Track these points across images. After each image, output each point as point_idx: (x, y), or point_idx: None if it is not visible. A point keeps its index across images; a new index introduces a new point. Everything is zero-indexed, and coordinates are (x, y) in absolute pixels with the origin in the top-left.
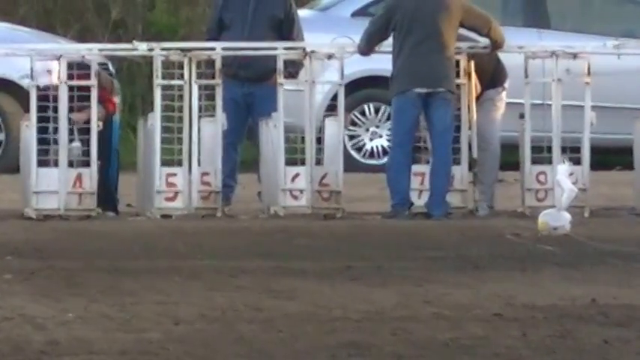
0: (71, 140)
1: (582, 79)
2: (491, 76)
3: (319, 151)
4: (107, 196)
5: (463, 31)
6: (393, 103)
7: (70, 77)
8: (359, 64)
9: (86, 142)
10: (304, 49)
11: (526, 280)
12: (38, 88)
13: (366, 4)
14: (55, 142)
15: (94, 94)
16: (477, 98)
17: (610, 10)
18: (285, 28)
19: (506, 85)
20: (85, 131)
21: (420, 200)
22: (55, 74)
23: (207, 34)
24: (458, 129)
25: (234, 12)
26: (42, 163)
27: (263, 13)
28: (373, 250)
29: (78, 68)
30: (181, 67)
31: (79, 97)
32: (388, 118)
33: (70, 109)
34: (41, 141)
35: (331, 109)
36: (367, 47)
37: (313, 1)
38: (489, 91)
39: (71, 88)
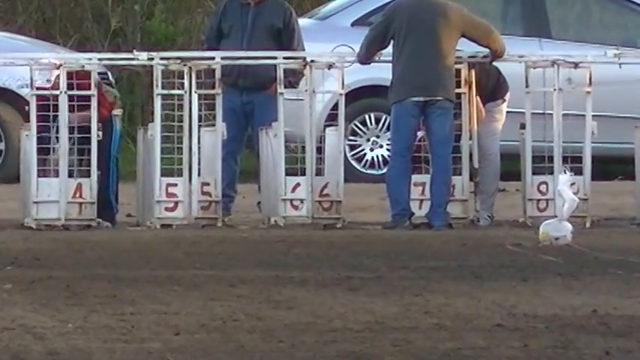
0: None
1: (583, 89)
2: (492, 90)
3: (320, 160)
4: (105, 206)
5: None
6: (392, 112)
7: (70, 87)
8: (359, 74)
9: (86, 152)
10: (304, 58)
11: (527, 290)
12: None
13: (366, 13)
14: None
15: (94, 104)
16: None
17: (610, 19)
18: (285, 38)
19: (506, 97)
20: (84, 139)
21: (420, 210)
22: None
23: (205, 43)
24: (458, 139)
25: (234, 21)
26: (42, 173)
27: (262, 22)
28: (373, 260)
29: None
30: (181, 76)
31: (79, 100)
32: (389, 128)
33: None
34: (41, 150)
35: (332, 118)
36: (366, 56)
37: (313, 10)
38: (488, 104)
39: (71, 90)
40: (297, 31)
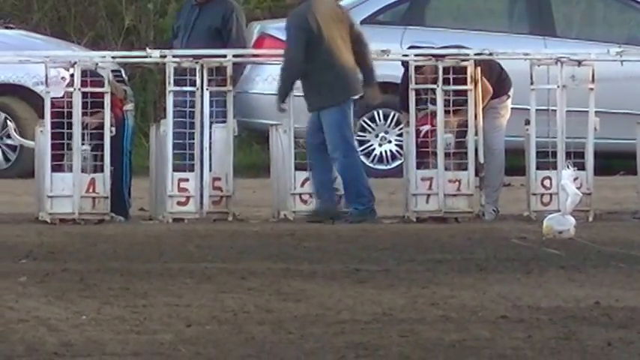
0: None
1: (586, 86)
2: (495, 86)
3: None
4: (118, 201)
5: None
6: (338, 113)
7: (84, 84)
8: None
9: (100, 147)
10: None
11: (531, 282)
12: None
13: (374, 12)
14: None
15: (107, 101)
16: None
17: (614, 17)
18: (225, 34)
19: (510, 93)
20: (98, 136)
21: (428, 205)
22: (67, 82)
23: (170, 44)
24: (464, 134)
25: (182, 21)
26: (56, 168)
27: (203, 21)
28: (381, 253)
29: (90, 76)
30: (193, 73)
31: (92, 104)
32: (397, 124)
33: (83, 114)
34: (55, 146)
35: None
36: (301, 61)
37: None
38: (493, 101)
39: (84, 95)
40: (237, 27)
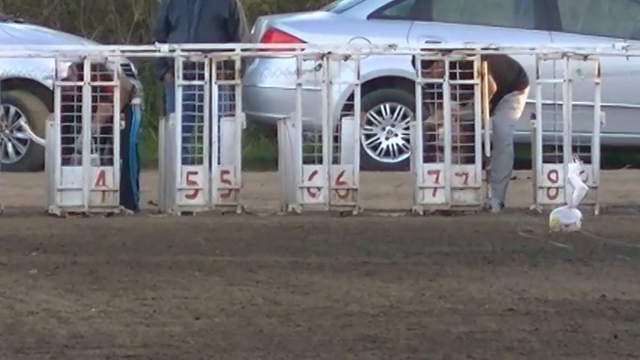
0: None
1: (592, 80)
2: (511, 82)
3: (336, 149)
4: (127, 194)
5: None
6: None
7: (93, 79)
8: (375, 65)
9: (109, 141)
10: (320, 51)
11: (538, 275)
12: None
13: (382, 6)
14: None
15: (116, 95)
16: (493, 100)
17: (619, 12)
18: (231, 27)
19: (525, 91)
20: (105, 130)
21: (435, 198)
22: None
23: (153, 36)
24: (472, 128)
25: (181, 13)
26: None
27: (208, 12)
28: (389, 246)
29: (99, 70)
30: (202, 67)
31: (96, 98)
32: (404, 118)
33: (93, 109)
34: (65, 140)
35: (348, 108)
36: None
37: (330, 4)
38: (506, 95)
39: (93, 89)
40: (242, 20)
